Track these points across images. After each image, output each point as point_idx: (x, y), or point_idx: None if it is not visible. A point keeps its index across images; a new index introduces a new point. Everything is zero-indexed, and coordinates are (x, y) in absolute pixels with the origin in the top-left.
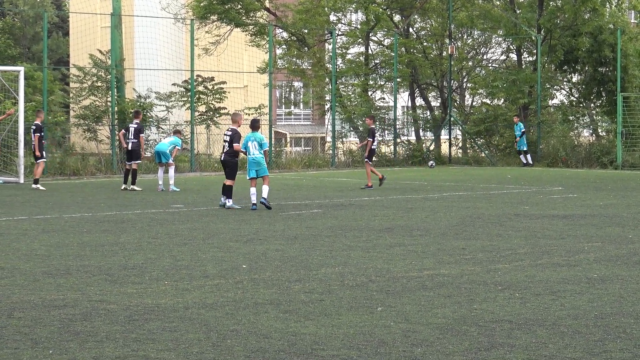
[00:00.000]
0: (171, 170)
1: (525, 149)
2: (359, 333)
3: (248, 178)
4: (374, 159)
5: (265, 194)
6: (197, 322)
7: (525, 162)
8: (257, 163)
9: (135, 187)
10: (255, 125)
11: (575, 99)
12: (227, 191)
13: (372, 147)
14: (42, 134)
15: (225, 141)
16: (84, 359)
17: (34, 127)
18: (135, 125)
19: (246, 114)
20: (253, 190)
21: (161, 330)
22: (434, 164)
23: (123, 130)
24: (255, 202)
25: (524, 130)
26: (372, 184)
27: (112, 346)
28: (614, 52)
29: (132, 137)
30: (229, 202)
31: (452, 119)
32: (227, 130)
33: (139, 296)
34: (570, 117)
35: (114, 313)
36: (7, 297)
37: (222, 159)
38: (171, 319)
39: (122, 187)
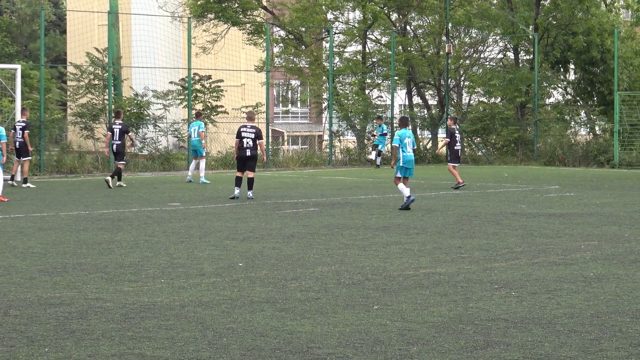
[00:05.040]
0: (202, 163)
1: (380, 148)
2: (355, 331)
3: (399, 176)
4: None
5: None
6: (193, 320)
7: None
8: (412, 162)
9: (121, 183)
10: (407, 122)
11: (571, 97)
12: (251, 183)
13: (456, 147)
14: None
15: (247, 138)
16: (79, 357)
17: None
18: (120, 127)
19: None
20: (402, 186)
21: (157, 328)
22: None
23: (109, 133)
24: (410, 194)
25: (385, 132)
26: (463, 181)
27: (108, 344)
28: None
29: (117, 139)
30: (249, 193)
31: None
32: (248, 127)
33: (135, 294)
34: (566, 117)
35: (110, 311)
36: (4, 295)
37: (248, 154)
38: (167, 317)
39: (117, 184)
